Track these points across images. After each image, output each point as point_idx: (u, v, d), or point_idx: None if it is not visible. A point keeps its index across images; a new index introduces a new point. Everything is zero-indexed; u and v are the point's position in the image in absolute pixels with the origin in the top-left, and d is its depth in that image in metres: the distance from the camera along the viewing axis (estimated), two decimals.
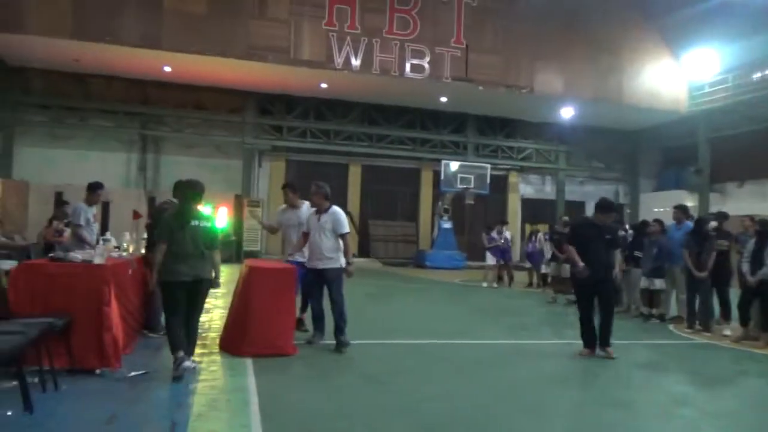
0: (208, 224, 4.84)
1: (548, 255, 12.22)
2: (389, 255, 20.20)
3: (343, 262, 5.97)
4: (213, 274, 4.83)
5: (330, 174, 20.27)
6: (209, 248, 4.79)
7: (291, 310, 5.69)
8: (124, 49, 14.84)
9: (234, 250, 17.87)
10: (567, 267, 10.47)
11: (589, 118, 20.17)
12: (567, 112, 19.66)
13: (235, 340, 5.54)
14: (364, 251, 20.09)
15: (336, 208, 6.02)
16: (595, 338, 6.14)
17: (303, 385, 4.67)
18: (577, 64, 18.41)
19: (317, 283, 6.02)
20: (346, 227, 5.98)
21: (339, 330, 5.85)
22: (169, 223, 4.77)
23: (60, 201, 14.59)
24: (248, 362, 5.13)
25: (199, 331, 6.14)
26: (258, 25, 15.84)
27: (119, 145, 18.32)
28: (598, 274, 6.02)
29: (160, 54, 15.27)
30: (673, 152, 22.13)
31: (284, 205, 6.79)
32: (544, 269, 12.99)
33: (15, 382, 3.79)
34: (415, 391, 4.62)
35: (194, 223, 4.75)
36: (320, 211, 6.00)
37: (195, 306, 4.81)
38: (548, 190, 22.97)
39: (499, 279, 13.76)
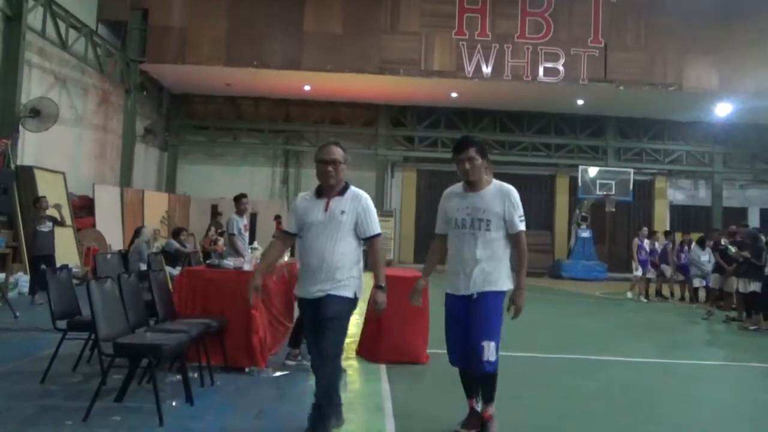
0: None
1: (705, 266, 11.17)
2: None
3: (357, 287, 3.50)
4: None
5: None
6: None
7: (424, 318, 5.73)
8: (269, 72, 16.06)
9: (367, 259, 18.47)
10: (732, 281, 9.48)
11: (750, 114, 18.07)
12: (723, 109, 17.80)
13: (369, 347, 5.71)
14: None
15: (359, 191, 3.58)
16: None
17: (436, 393, 4.68)
18: (735, 56, 16.59)
19: (313, 322, 3.49)
20: (378, 224, 3.58)
21: (319, 414, 3.36)
22: None
23: (215, 213, 16.08)
24: (382, 368, 5.26)
25: None
26: (390, 39, 16.29)
27: (265, 160, 19.80)
28: None
29: (301, 74, 16.28)
30: None
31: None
32: (697, 283, 11.92)
33: (179, 376, 4.24)
34: (554, 408, 4.43)
35: None
36: (329, 193, 3.52)
37: None
38: (702, 196, 20.92)
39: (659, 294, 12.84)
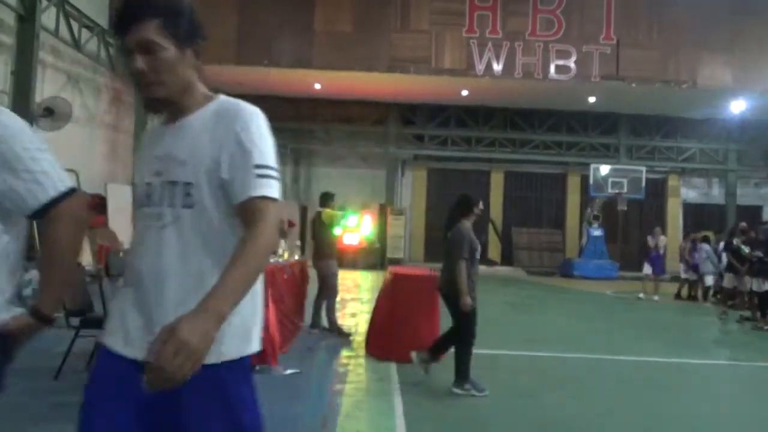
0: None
1: (707, 266, 11.07)
2: (534, 264, 19.53)
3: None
4: None
5: (472, 181, 20.23)
6: None
7: (434, 317, 5.72)
8: (280, 70, 16.10)
9: (378, 257, 18.48)
10: (745, 280, 9.39)
11: (765, 111, 17.81)
12: (738, 107, 17.59)
13: (379, 345, 5.70)
14: (507, 259, 19.65)
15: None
16: None
17: (447, 392, 4.66)
18: (750, 53, 16.39)
19: None
20: (60, 179, 1.55)
21: None
22: (472, 238, 4.55)
23: None
24: (393, 367, 5.25)
25: (351, 334, 6.43)
26: (400, 38, 16.25)
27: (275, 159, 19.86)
28: None
29: (311, 73, 16.30)
30: None
31: None
32: (710, 281, 11.81)
33: None
34: (566, 407, 4.41)
35: None
36: None
37: None
38: (715, 194, 20.70)
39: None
